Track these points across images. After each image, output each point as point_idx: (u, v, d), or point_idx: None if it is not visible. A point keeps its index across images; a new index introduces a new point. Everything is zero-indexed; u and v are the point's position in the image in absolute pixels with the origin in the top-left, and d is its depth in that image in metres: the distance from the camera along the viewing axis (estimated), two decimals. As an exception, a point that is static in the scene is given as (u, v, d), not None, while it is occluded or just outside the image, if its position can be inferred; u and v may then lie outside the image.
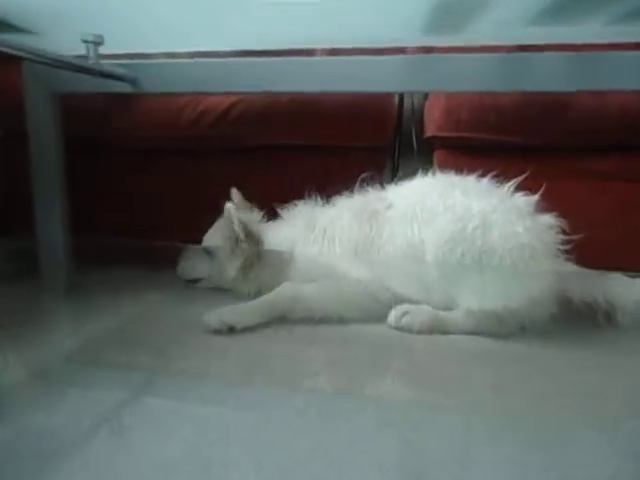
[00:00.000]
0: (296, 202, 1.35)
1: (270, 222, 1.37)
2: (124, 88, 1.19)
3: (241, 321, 1.11)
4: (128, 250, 1.57)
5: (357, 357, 1.00)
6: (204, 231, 1.40)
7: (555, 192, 1.16)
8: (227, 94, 1.44)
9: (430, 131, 1.47)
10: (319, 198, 1.35)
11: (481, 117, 1.37)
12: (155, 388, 0.87)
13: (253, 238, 1.29)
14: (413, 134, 1.66)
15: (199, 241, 1.41)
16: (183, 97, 1.47)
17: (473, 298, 1.13)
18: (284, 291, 1.19)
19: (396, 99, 1.58)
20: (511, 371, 0.96)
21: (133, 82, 1.19)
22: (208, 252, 1.37)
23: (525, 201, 1.17)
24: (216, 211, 1.32)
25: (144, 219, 1.56)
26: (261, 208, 1.39)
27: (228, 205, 1.28)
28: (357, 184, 1.32)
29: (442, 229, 1.14)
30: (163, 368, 0.94)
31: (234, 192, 1.39)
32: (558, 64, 1.05)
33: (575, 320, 1.14)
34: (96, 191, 1.55)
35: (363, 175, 1.31)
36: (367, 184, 1.31)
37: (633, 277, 1.18)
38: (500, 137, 1.37)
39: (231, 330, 1.10)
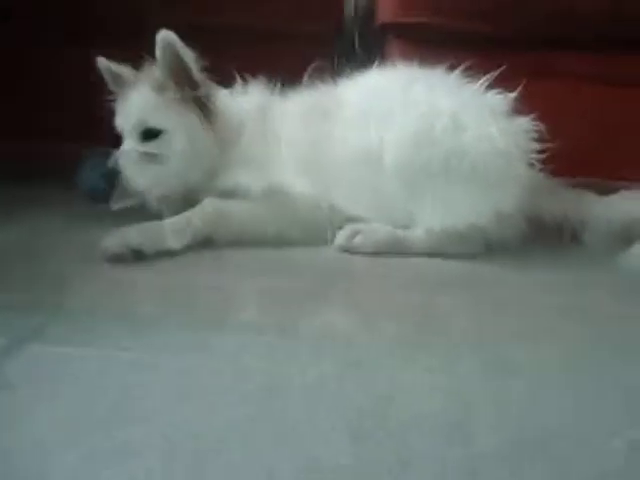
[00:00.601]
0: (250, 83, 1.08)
1: (220, 88, 1.07)
2: None
3: (152, 244, 0.87)
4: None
5: (299, 287, 0.81)
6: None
7: (527, 93, 0.98)
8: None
9: (383, 16, 1.22)
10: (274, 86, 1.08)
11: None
12: (44, 332, 0.65)
13: (198, 83, 1.00)
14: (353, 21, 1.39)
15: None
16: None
17: (437, 213, 0.95)
18: (207, 207, 0.95)
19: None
20: (481, 297, 0.80)
21: None
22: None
23: (500, 100, 0.98)
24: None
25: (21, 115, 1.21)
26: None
27: (164, 32, 0.93)
28: (305, 77, 1.06)
29: (405, 128, 0.94)
30: (54, 307, 0.71)
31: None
32: None
33: (541, 239, 1.00)
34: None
35: (312, 66, 1.05)
36: (316, 78, 1.06)
37: (605, 192, 1.06)
38: (467, 24, 1.15)
39: (138, 256, 0.86)
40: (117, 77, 1.03)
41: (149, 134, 0.99)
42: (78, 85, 1.16)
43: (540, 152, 0.96)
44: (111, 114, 1.03)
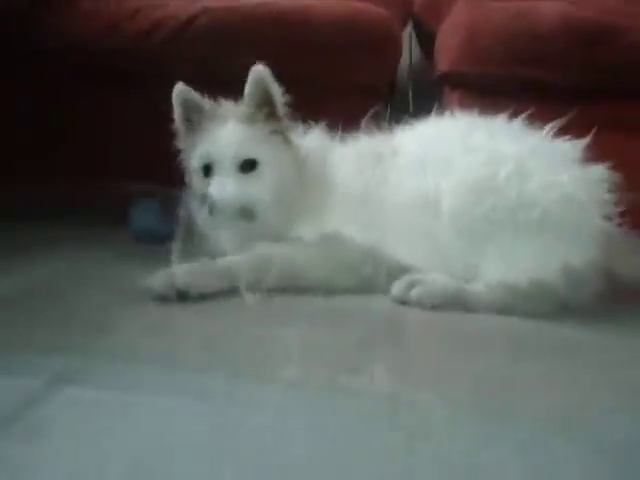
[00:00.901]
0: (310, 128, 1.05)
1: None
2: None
3: (197, 285, 0.83)
4: (53, 198, 1.24)
5: (348, 340, 0.73)
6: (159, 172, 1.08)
7: (599, 145, 0.91)
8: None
9: (444, 65, 1.19)
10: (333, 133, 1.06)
11: (511, 47, 1.10)
12: (79, 375, 0.60)
13: (282, 118, 0.98)
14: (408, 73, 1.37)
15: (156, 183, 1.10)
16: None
17: (502, 266, 0.87)
18: (258, 250, 0.91)
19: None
20: (555, 364, 0.70)
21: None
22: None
23: (570, 146, 0.91)
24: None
25: (76, 157, 1.23)
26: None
27: (257, 66, 0.93)
28: (362, 124, 1.03)
29: (465, 174, 0.88)
30: (91, 348, 0.67)
31: None
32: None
33: (617, 298, 0.89)
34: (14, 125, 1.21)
35: (370, 113, 1.03)
36: (374, 125, 1.03)
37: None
38: (530, 72, 1.10)
39: (182, 297, 0.81)
40: (196, 108, 0.98)
41: (246, 166, 0.95)
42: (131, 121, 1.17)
43: (616, 204, 0.88)
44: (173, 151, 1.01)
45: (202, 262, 0.87)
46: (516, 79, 1.11)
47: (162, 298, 0.80)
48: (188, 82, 0.97)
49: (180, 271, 0.84)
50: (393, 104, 1.40)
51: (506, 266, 0.87)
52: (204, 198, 0.91)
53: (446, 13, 1.28)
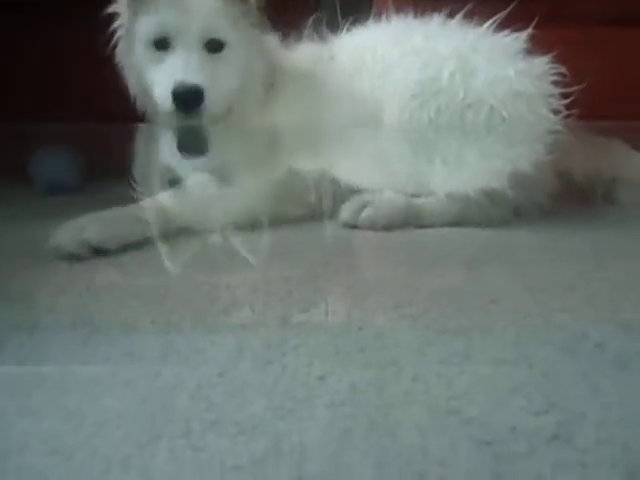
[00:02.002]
0: None
1: None
2: None
3: (112, 236, 0.70)
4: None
5: (299, 274, 0.66)
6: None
7: (540, 38, 0.86)
8: None
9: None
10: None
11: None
12: None
13: None
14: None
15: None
16: None
17: (450, 177, 0.81)
18: (189, 184, 0.81)
19: None
20: (514, 270, 0.66)
21: None
22: None
23: (512, 40, 0.84)
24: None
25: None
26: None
27: None
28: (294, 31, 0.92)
29: (405, 78, 0.80)
30: (3, 321, 0.55)
31: None
32: None
33: (571, 198, 0.87)
34: None
35: (310, 19, 0.92)
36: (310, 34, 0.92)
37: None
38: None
39: (97, 252, 0.69)
40: None
41: (211, 47, 0.83)
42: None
43: (563, 96, 0.84)
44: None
45: (114, 209, 0.74)
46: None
47: (74, 257, 0.68)
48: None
49: (90, 222, 0.71)
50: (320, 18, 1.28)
51: (455, 176, 0.82)
52: (165, 80, 0.79)
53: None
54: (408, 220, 0.80)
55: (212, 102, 0.81)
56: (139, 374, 0.44)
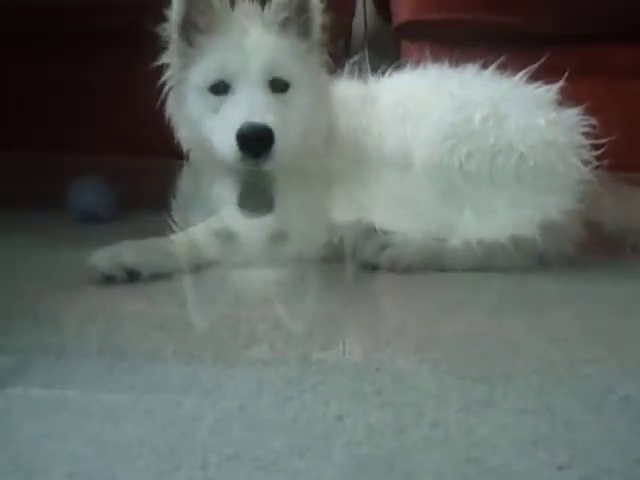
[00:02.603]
0: None
1: None
2: None
3: (147, 263, 0.72)
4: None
5: (320, 312, 0.66)
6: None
7: (571, 90, 0.87)
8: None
9: (402, 16, 1.12)
10: None
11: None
12: (22, 374, 0.51)
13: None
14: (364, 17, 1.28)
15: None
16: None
17: (478, 222, 0.82)
18: (214, 223, 0.82)
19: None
20: (537, 318, 0.65)
21: None
22: None
23: (544, 91, 0.86)
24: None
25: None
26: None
27: None
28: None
29: (439, 122, 0.81)
30: (28, 344, 0.57)
31: None
32: None
33: (601, 248, 0.86)
34: None
35: (350, 61, 0.92)
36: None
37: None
38: (498, 18, 1.03)
39: (132, 277, 0.71)
40: (203, 6, 0.78)
41: (275, 86, 0.78)
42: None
43: (593, 147, 0.84)
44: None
45: (149, 239, 0.76)
46: (479, 26, 1.05)
47: (108, 279, 0.70)
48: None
49: (128, 248, 0.73)
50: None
51: (482, 222, 0.82)
52: (228, 124, 0.72)
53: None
54: (430, 263, 0.80)
55: (281, 147, 0.74)
56: (160, 403, 0.45)
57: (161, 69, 0.84)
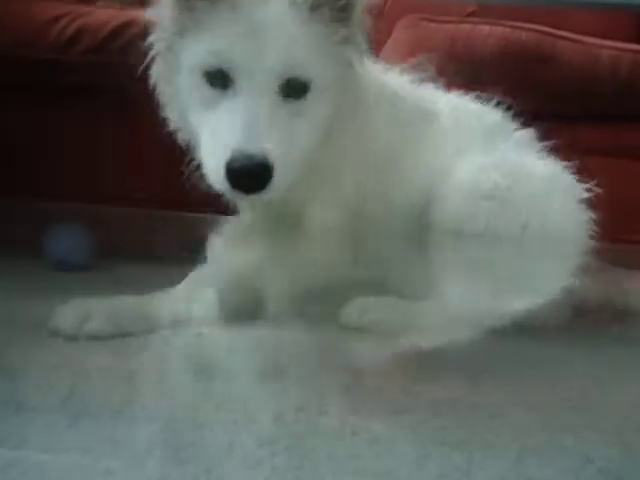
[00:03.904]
0: None
1: None
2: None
3: (117, 326, 0.67)
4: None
5: (294, 374, 0.65)
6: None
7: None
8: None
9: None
10: None
11: (451, 68, 1.08)
12: None
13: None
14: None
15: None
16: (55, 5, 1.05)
17: (468, 292, 0.82)
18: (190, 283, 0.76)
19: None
20: (518, 384, 0.65)
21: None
22: None
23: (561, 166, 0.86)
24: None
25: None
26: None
27: None
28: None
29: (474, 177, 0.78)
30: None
31: None
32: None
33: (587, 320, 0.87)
34: None
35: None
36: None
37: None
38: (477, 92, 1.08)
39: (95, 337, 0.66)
40: None
41: (291, 91, 0.60)
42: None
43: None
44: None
45: (121, 298, 0.71)
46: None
47: (71, 338, 0.66)
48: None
49: (93, 310, 0.68)
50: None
51: (474, 293, 0.81)
52: (218, 142, 0.57)
53: (385, 39, 1.28)
54: (410, 325, 0.79)
55: (283, 177, 0.60)
56: (122, 465, 0.42)
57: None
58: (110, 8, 1.11)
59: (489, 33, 1.11)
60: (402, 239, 0.82)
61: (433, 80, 0.85)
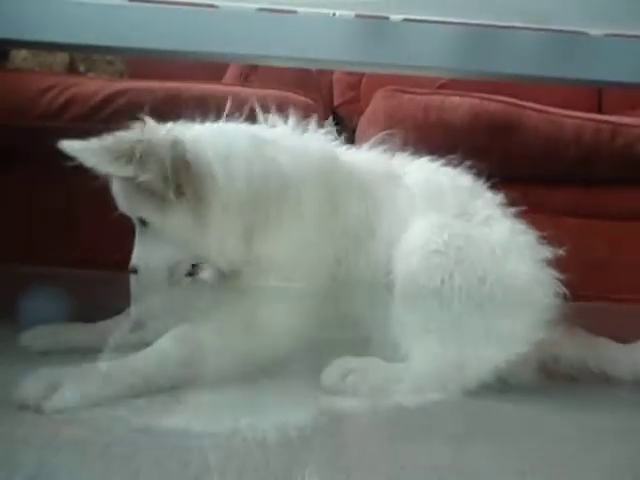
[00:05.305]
0: None
1: None
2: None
3: (84, 399, 0.65)
4: None
5: (275, 439, 0.62)
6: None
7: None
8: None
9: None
10: None
11: (424, 136, 1.14)
12: None
13: None
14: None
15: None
16: (46, 77, 1.09)
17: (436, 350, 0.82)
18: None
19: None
20: (503, 445, 0.63)
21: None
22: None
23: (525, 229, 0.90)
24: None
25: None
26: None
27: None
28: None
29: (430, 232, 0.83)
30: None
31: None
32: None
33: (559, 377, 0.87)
34: None
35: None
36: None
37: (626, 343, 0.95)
38: (450, 159, 1.13)
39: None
40: None
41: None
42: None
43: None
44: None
45: (89, 366, 0.69)
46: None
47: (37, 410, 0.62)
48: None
49: (61, 382, 0.65)
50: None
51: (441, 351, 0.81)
52: None
53: (364, 108, 1.34)
54: (392, 388, 0.78)
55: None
56: None
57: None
58: (99, 79, 1.15)
59: (459, 103, 1.18)
60: (370, 300, 0.84)
61: (403, 150, 0.95)
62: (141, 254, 0.85)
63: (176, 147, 0.79)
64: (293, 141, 0.88)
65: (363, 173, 0.90)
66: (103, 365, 0.71)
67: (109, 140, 0.77)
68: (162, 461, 0.55)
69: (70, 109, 1.08)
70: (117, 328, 0.87)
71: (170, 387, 0.72)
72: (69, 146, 0.76)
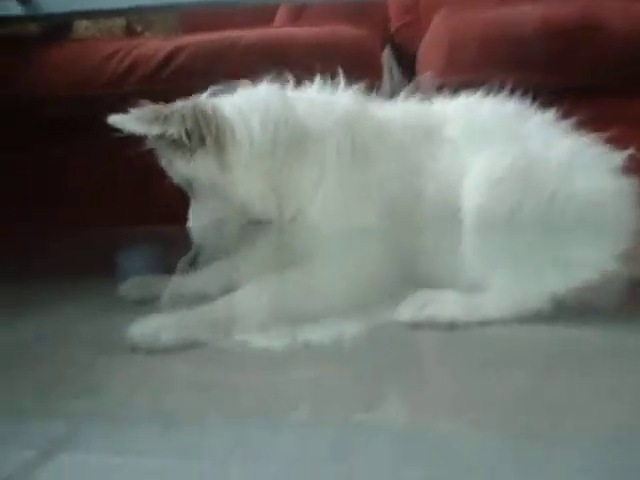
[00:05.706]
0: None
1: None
2: (10, 9, 0.83)
3: (189, 338, 0.72)
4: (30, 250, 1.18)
5: (361, 373, 0.66)
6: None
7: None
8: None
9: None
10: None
11: (495, 53, 1.07)
12: (72, 440, 0.53)
13: None
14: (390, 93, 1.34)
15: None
16: (108, 43, 1.12)
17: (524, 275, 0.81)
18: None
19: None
20: (587, 374, 0.63)
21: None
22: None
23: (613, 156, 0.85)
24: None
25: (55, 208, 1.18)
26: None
27: None
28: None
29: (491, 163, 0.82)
30: (79, 412, 0.59)
31: None
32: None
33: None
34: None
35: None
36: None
37: None
38: (521, 78, 1.06)
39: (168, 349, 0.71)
40: None
41: None
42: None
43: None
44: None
45: (190, 312, 0.76)
46: (503, 85, 1.08)
47: (148, 351, 0.71)
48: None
49: (165, 325, 0.73)
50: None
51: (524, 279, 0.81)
52: None
53: (424, 31, 1.27)
54: (470, 317, 0.79)
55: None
56: (207, 468, 0.46)
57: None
58: (157, 39, 1.17)
59: (529, 12, 1.08)
60: (439, 236, 0.84)
61: (437, 93, 0.95)
62: (192, 215, 0.94)
63: (197, 103, 0.88)
64: (318, 95, 0.93)
65: (398, 128, 0.91)
66: (199, 310, 0.78)
67: (143, 109, 0.87)
68: (259, 394, 0.61)
69: (135, 72, 1.12)
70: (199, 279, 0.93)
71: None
72: (112, 120, 0.86)
